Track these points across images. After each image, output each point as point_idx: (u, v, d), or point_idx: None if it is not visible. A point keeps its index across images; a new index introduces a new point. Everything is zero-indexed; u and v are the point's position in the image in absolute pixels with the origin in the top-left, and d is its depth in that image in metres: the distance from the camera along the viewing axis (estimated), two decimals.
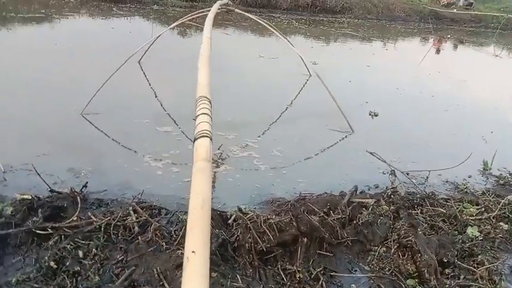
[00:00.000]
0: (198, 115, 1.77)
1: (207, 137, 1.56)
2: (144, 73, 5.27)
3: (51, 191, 2.38)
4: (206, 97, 1.98)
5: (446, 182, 3.21)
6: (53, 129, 3.44)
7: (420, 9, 16.82)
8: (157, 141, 3.42)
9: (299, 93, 5.35)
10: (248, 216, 2.24)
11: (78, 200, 2.35)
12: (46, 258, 1.88)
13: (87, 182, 2.53)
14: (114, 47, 6.07)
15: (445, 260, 2.15)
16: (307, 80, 5.72)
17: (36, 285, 1.75)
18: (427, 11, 16.64)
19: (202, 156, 1.42)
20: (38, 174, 2.49)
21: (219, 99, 4.71)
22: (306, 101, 5.04)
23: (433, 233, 2.38)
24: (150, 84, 4.94)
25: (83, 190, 2.49)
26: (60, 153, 3.06)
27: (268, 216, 2.27)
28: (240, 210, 2.35)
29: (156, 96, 4.53)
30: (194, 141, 1.54)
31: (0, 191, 2.45)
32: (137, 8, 11.07)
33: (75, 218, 2.20)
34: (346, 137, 3.98)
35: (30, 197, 2.28)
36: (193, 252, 0.94)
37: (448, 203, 2.72)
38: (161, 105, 4.30)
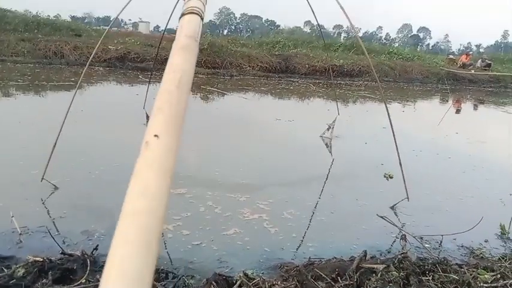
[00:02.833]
0: None
1: (198, 14, 1.24)
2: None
3: (63, 253, 2.45)
4: None
5: (462, 246, 3.13)
6: (72, 192, 3.58)
7: (437, 71, 17.13)
8: (170, 203, 3.49)
9: (315, 155, 5.42)
10: (253, 282, 2.24)
11: (88, 262, 2.41)
12: None
13: (97, 245, 2.60)
14: (138, 112, 6.36)
15: None
16: (329, 142, 5.80)
17: None
18: (444, 72, 16.92)
19: (188, 33, 1.09)
20: (52, 237, 2.58)
21: (233, 161, 4.86)
22: (321, 163, 5.10)
23: None
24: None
25: (93, 252, 2.55)
26: (76, 215, 3.16)
27: (274, 282, 2.26)
28: (245, 275, 2.35)
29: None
30: (180, 17, 1.21)
31: (15, 252, 2.53)
32: (161, 75, 11.66)
33: (83, 281, 2.24)
34: (357, 200, 3.97)
35: (42, 259, 2.34)
36: (155, 136, 0.63)
37: (461, 269, 2.64)
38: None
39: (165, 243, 2.84)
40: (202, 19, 1.23)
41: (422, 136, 7.34)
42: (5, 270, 2.27)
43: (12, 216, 2.86)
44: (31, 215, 3.04)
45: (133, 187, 0.48)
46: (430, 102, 13.02)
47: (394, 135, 3.79)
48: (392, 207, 3.79)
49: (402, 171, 3.76)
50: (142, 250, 0.40)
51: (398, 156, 3.77)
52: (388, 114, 3.89)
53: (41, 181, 3.49)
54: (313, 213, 3.59)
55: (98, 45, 4.03)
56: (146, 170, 0.53)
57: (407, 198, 3.75)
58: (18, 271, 2.26)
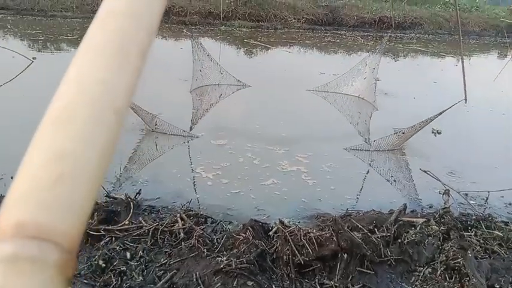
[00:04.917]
0: None
1: None
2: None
3: (108, 196, 2.58)
4: None
5: (509, 204, 3.00)
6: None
7: (497, 23, 15.88)
8: (211, 153, 3.56)
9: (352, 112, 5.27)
10: (289, 229, 2.26)
11: (131, 205, 2.52)
12: (96, 257, 2.04)
13: (140, 190, 2.71)
14: (184, 65, 6.40)
15: (497, 286, 2.01)
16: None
17: (85, 281, 1.91)
18: (505, 24, 15.62)
19: None
20: None
21: (274, 115, 4.83)
22: (364, 118, 4.96)
23: (486, 256, 2.24)
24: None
25: (136, 197, 2.66)
26: (120, 163, 3.28)
27: (309, 230, 2.27)
28: (281, 223, 2.37)
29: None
30: None
31: None
32: (206, 29, 11.60)
33: (126, 222, 2.36)
34: (400, 155, 3.86)
35: None
36: None
37: (507, 227, 2.54)
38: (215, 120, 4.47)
39: (199, 190, 2.92)
40: None
41: (476, 91, 6.91)
42: None
43: None
44: None
45: None
46: (487, 57, 12.17)
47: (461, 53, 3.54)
48: (442, 113, 3.61)
49: (463, 70, 3.57)
50: (115, 59, 0.31)
51: (462, 59, 3.56)
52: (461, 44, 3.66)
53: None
54: (353, 167, 3.54)
55: None
56: None
57: (465, 99, 3.54)
58: None
